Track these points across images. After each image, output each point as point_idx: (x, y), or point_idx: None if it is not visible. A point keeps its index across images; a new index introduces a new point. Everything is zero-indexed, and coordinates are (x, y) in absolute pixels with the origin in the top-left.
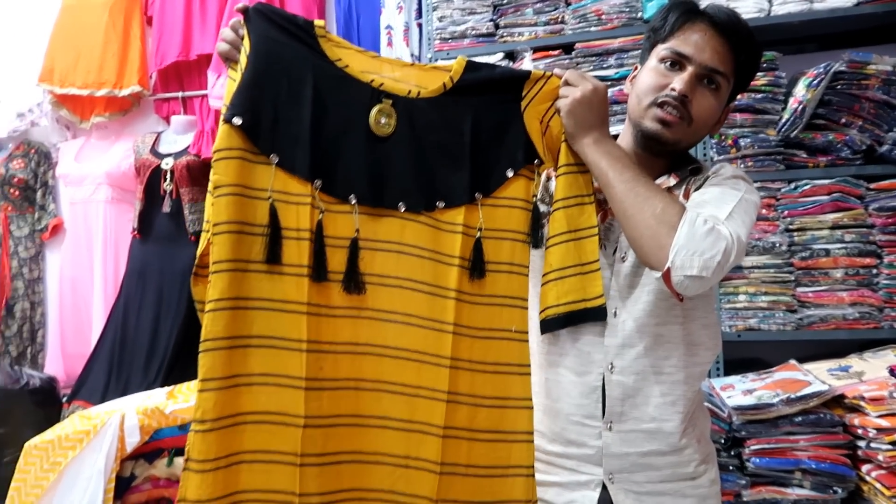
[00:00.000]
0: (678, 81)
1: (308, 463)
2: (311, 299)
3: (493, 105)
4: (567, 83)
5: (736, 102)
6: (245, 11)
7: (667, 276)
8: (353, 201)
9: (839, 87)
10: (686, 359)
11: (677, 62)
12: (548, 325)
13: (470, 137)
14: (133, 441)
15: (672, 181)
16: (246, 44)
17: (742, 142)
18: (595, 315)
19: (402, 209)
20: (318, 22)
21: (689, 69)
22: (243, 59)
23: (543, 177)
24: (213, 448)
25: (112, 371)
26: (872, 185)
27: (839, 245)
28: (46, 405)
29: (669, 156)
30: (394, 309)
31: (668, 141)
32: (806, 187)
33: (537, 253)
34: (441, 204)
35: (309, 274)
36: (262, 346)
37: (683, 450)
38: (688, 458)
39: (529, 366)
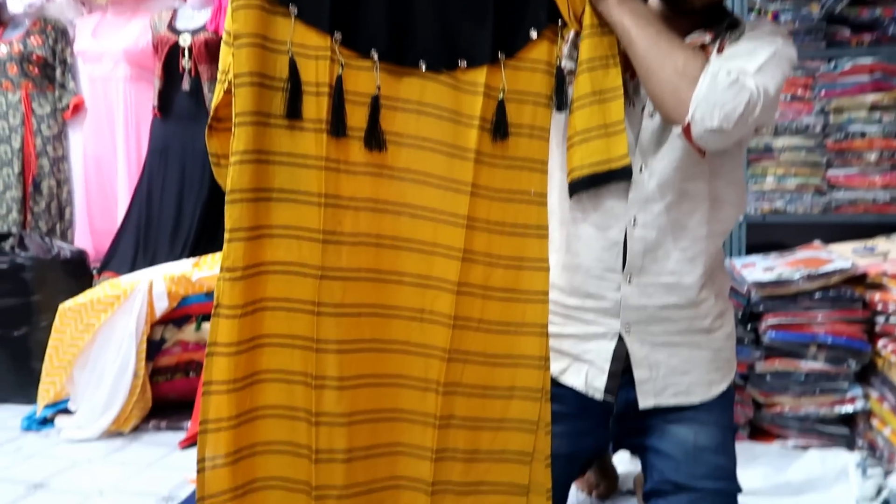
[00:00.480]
0: None
1: (325, 312)
2: (330, 155)
3: None
4: None
5: None
6: None
7: (687, 131)
8: (375, 56)
9: None
10: (710, 214)
11: None
12: (574, 188)
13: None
14: (162, 306)
15: (707, 37)
16: None
17: (783, 17)
18: (620, 175)
19: (423, 67)
20: None
21: None
22: None
23: (570, 35)
24: (241, 295)
25: (139, 246)
26: None
27: (876, 126)
28: (78, 275)
29: (700, 14)
30: (413, 168)
31: None
32: (846, 66)
33: (562, 116)
34: (463, 63)
35: (327, 129)
36: (283, 200)
37: (701, 304)
38: (704, 312)
39: (547, 228)
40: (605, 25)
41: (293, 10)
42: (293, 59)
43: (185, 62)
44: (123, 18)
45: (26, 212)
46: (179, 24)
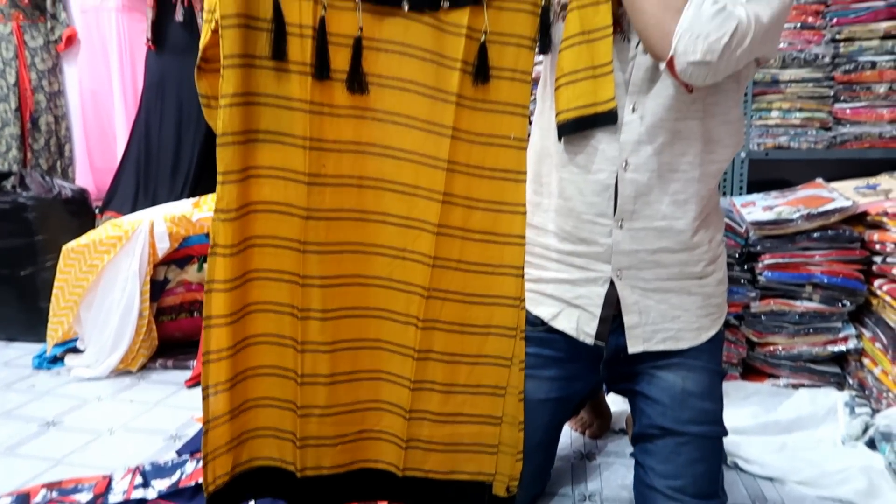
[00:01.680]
0: None
1: (310, 250)
2: (314, 98)
3: None
4: None
5: None
6: None
7: (671, 65)
8: None
9: None
10: (703, 156)
11: None
12: (561, 130)
13: None
14: (163, 247)
15: None
16: None
17: None
18: (605, 119)
19: (406, 7)
20: None
21: None
22: None
23: None
24: (235, 234)
25: (140, 184)
26: None
27: (888, 57)
28: (80, 214)
29: None
30: (395, 110)
31: None
32: None
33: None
34: (446, 3)
35: (312, 72)
36: (270, 141)
37: (694, 249)
38: (697, 257)
39: (525, 172)
40: None
41: None
42: (277, 0)
43: None
44: None
45: (26, 149)
46: None
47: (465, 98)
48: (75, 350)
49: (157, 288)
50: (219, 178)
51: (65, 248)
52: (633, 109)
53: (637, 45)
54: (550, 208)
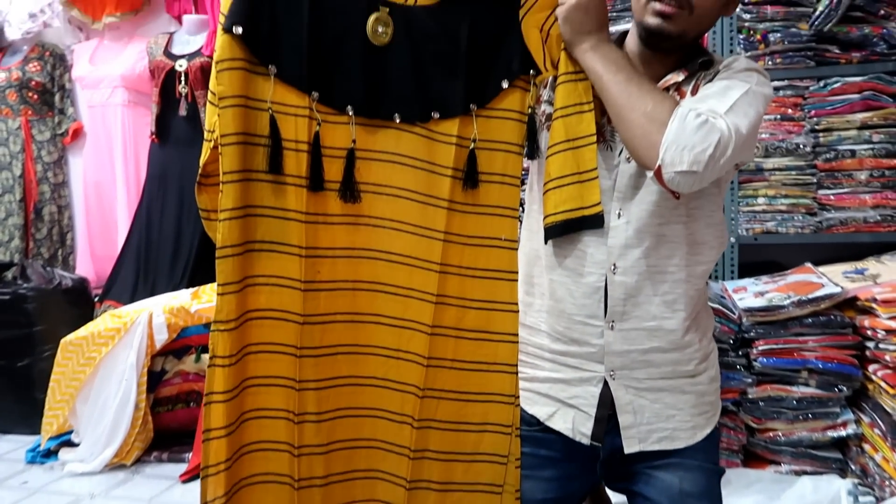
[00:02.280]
0: None
1: (306, 354)
2: (310, 208)
3: (491, 14)
4: None
5: None
6: None
7: (658, 174)
8: (350, 112)
9: None
10: (689, 258)
11: None
12: (548, 233)
13: (466, 47)
14: (161, 338)
15: (680, 77)
16: None
17: (771, 37)
18: (592, 223)
19: (398, 120)
20: None
21: None
22: None
23: (549, 80)
24: (234, 344)
25: (139, 272)
26: None
27: (866, 146)
28: (79, 304)
29: (679, 51)
30: (388, 216)
31: (671, 34)
32: (836, 85)
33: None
34: (436, 115)
35: (306, 184)
36: (265, 251)
37: (685, 348)
38: (689, 356)
39: (517, 272)
40: (579, 72)
41: (272, 70)
42: (273, 118)
43: (182, 87)
44: (120, 44)
45: (28, 238)
46: (175, 50)
47: (456, 202)
48: (70, 443)
49: (154, 379)
50: (218, 289)
51: (63, 341)
52: (619, 215)
53: (620, 154)
54: (542, 309)
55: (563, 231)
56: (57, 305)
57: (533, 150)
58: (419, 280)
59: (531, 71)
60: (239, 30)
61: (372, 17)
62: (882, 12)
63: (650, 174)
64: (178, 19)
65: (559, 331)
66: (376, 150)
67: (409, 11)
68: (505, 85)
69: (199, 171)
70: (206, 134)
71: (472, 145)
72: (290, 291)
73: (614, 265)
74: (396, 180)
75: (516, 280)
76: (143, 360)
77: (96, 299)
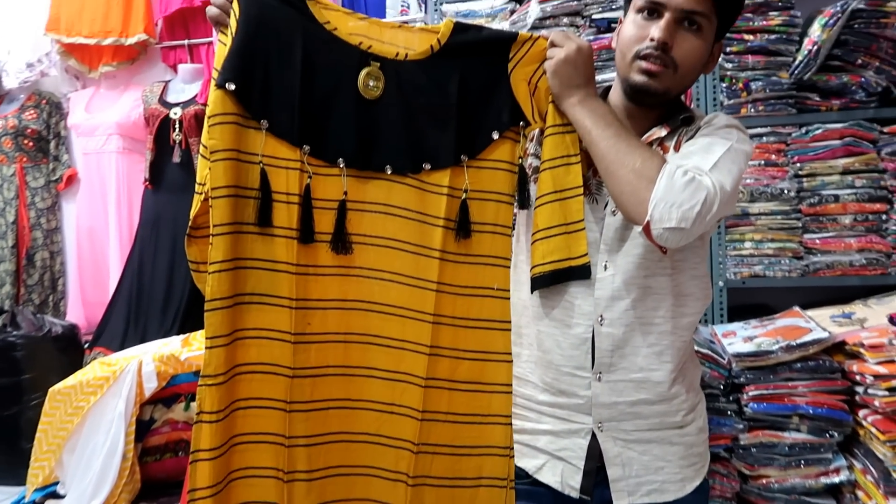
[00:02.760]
0: (656, 30)
1: (296, 409)
2: (300, 260)
3: (481, 67)
4: (553, 44)
5: (749, 44)
6: None
7: (647, 230)
8: (342, 164)
9: (857, 25)
10: (674, 310)
11: (654, 10)
12: (535, 283)
13: (457, 99)
14: (151, 386)
15: (663, 132)
16: (235, 7)
17: (753, 85)
18: (580, 273)
19: (389, 171)
20: None
21: (666, 15)
22: (233, 22)
23: (535, 133)
24: (222, 399)
25: (130, 318)
26: (886, 129)
27: (849, 190)
28: (69, 351)
29: (663, 106)
30: (380, 267)
31: (657, 91)
32: (817, 132)
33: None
34: (427, 166)
35: (297, 236)
36: (255, 303)
37: (672, 399)
38: (676, 407)
39: (510, 322)
40: (567, 125)
41: (264, 124)
42: (264, 171)
43: (176, 135)
44: (116, 92)
45: (19, 284)
46: (170, 98)
47: (448, 252)
48: (56, 495)
49: (143, 428)
50: (206, 342)
51: (51, 390)
52: (606, 267)
53: (606, 206)
54: (530, 360)
55: (551, 281)
56: (46, 353)
57: (524, 200)
58: (412, 331)
59: (521, 122)
60: (232, 86)
61: (363, 72)
62: (859, 61)
63: (638, 229)
64: (174, 68)
65: (547, 382)
66: (368, 202)
67: (400, 66)
68: (495, 136)
69: (189, 223)
70: (196, 187)
71: (463, 195)
72: (280, 344)
73: (601, 316)
74: (388, 231)
75: (510, 330)
76: (132, 409)
77: (86, 346)
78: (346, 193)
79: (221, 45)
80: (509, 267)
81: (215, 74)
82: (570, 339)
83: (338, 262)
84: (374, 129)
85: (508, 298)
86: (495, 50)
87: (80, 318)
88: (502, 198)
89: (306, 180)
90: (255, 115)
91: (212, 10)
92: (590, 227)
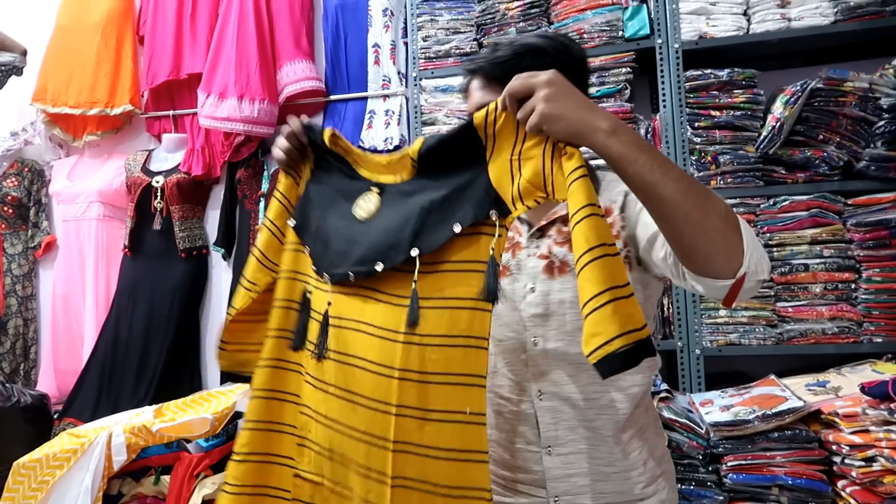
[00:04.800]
0: None
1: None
2: (305, 367)
3: (462, 169)
4: (512, 96)
5: (716, 119)
6: (310, 129)
7: (737, 284)
8: (325, 278)
9: (816, 104)
10: (611, 383)
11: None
12: (606, 367)
13: (429, 203)
14: (120, 459)
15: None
16: (310, 159)
17: (721, 158)
18: (648, 349)
19: (352, 278)
20: (341, 141)
21: None
22: (307, 172)
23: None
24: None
25: (103, 388)
26: (850, 201)
27: (818, 260)
28: (38, 422)
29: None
30: (347, 387)
31: None
32: (785, 203)
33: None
34: (379, 266)
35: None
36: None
37: (629, 471)
38: (634, 479)
39: (486, 451)
40: (579, 167)
41: (307, 249)
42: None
43: (157, 203)
44: (99, 161)
45: None
46: (153, 166)
47: (409, 371)
48: None
49: (110, 502)
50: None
51: (16, 464)
52: (535, 343)
53: (525, 287)
54: (491, 438)
55: (626, 364)
56: (14, 424)
57: (490, 294)
58: (376, 459)
59: (492, 212)
60: (292, 222)
61: (363, 197)
62: (821, 137)
63: (724, 283)
64: (158, 137)
65: (505, 459)
66: (343, 317)
67: (395, 188)
68: (457, 229)
69: (221, 336)
70: (228, 309)
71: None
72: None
73: (539, 391)
74: (357, 349)
75: (485, 424)
76: (99, 484)
77: (56, 416)
78: (329, 304)
79: (289, 180)
80: (484, 386)
81: (283, 200)
82: (517, 415)
83: (318, 374)
84: (357, 243)
85: (484, 424)
86: (466, 145)
87: (51, 386)
88: (464, 303)
89: (306, 292)
90: (303, 242)
91: (279, 154)
92: (513, 304)
